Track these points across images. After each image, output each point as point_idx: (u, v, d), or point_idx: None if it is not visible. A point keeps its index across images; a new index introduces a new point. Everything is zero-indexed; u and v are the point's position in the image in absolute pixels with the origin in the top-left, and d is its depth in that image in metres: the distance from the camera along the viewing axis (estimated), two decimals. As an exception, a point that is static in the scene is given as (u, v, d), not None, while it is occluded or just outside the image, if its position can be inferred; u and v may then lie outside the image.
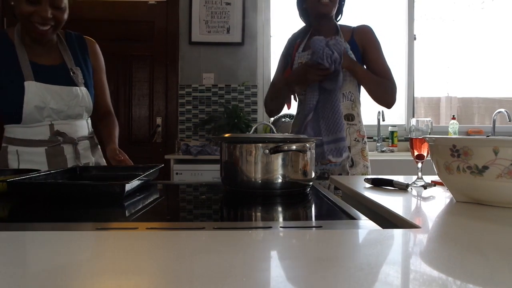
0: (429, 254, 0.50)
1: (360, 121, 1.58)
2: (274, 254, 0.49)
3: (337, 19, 1.64)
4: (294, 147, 0.88)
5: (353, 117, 1.56)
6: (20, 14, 1.22)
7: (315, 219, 0.76)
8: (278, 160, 0.90)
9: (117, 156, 1.29)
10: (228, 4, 3.21)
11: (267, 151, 0.89)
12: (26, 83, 1.25)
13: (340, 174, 1.52)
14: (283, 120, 3.06)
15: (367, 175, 1.54)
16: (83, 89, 1.35)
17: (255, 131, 2.99)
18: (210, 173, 2.59)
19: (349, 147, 1.54)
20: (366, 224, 0.63)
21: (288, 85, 1.57)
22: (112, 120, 1.48)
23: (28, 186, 0.87)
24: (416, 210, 0.79)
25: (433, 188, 0.98)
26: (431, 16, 3.53)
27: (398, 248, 0.53)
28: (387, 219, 0.74)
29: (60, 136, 1.32)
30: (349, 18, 1.78)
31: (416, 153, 1.05)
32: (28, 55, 1.30)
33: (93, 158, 1.44)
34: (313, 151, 0.98)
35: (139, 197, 0.91)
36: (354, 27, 1.60)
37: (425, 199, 0.88)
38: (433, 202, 0.86)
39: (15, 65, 1.27)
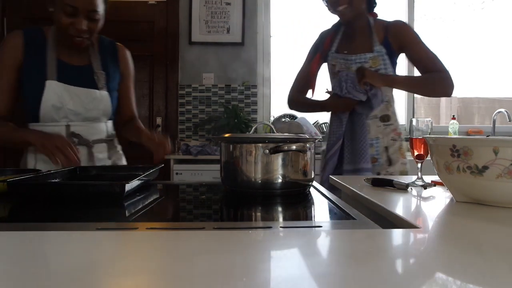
0: (429, 254, 0.50)
1: (396, 120, 1.57)
2: (274, 254, 0.49)
3: (370, 11, 1.60)
4: (294, 147, 0.88)
5: (388, 117, 1.55)
6: (57, 24, 1.24)
7: (315, 219, 0.76)
8: (278, 160, 0.90)
9: (153, 136, 1.29)
10: (228, 4, 3.21)
11: (267, 151, 0.89)
12: (47, 82, 1.26)
13: (378, 174, 1.52)
14: (283, 120, 3.06)
15: (406, 172, 1.54)
16: (104, 92, 1.35)
17: (255, 131, 2.99)
18: (210, 173, 2.59)
19: (386, 147, 1.54)
20: (366, 224, 0.63)
21: (320, 107, 1.63)
22: (137, 122, 1.49)
23: (28, 186, 0.87)
24: (416, 210, 0.79)
25: (433, 188, 0.98)
26: (431, 16, 3.53)
27: (398, 248, 0.53)
28: (387, 219, 0.74)
29: (75, 138, 1.32)
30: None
31: (416, 153, 1.05)
32: (58, 54, 1.31)
33: (110, 161, 1.43)
34: (313, 151, 0.98)
35: (139, 197, 0.91)
36: (387, 24, 1.56)
37: (425, 199, 0.88)
38: (433, 202, 0.86)
39: (42, 63, 1.28)
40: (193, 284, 0.38)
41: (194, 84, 3.28)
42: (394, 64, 1.55)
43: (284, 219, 0.78)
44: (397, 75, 1.53)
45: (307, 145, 0.91)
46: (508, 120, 2.94)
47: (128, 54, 1.50)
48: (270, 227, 0.64)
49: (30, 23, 3.01)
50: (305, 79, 1.68)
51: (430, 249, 0.53)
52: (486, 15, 3.52)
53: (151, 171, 1.09)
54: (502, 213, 0.71)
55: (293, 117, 3.07)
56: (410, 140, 1.07)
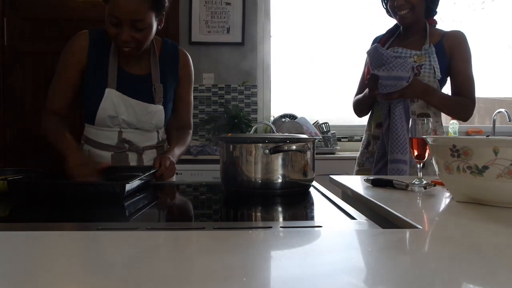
0: (429, 254, 0.50)
1: (437, 121, 1.54)
2: (274, 254, 0.49)
3: (428, 17, 1.57)
4: (294, 147, 0.88)
5: (428, 116, 1.52)
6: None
7: (315, 219, 0.77)
8: (278, 160, 0.90)
9: (161, 160, 1.21)
10: (228, 4, 3.21)
11: (267, 151, 0.89)
12: (107, 90, 1.26)
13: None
14: (283, 120, 3.06)
15: None
16: (159, 107, 1.34)
17: (255, 131, 2.99)
18: (210, 173, 2.59)
19: None
20: (366, 224, 0.63)
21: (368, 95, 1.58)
22: (184, 136, 1.45)
23: (28, 185, 0.87)
24: (416, 210, 0.79)
25: (433, 188, 0.98)
26: (431, 16, 3.53)
27: (398, 248, 0.53)
28: (387, 219, 0.74)
29: (127, 144, 1.32)
30: (349, 20, 1.77)
31: (416, 153, 1.05)
32: (119, 60, 1.30)
33: None
34: (313, 151, 0.98)
35: (139, 197, 0.92)
36: (445, 31, 1.55)
37: (425, 199, 0.88)
38: (433, 202, 0.86)
39: (105, 69, 1.27)
40: (193, 284, 0.38)
41: (194, 84, 3.27)
42: (443, 65, 1.51)
43: (284, 219, 0.78)
44: (436, 92, 1.50)
45: (307, 145, 0.91)
46: (508, 120, 2.94)
47: (189, 61, 1.48)
48: (270, 227, 0.64)
49: (30, 23, 3.01)
50: (364, 86, 1.65)
51: (430, 249, 0.53)
52: (486, 15, 3.53)
53: (151, 171, 1.09)
54: (502, 213, 0.71)
55: (293, 117, 3.06)
56: (410, 140, 1.07)
